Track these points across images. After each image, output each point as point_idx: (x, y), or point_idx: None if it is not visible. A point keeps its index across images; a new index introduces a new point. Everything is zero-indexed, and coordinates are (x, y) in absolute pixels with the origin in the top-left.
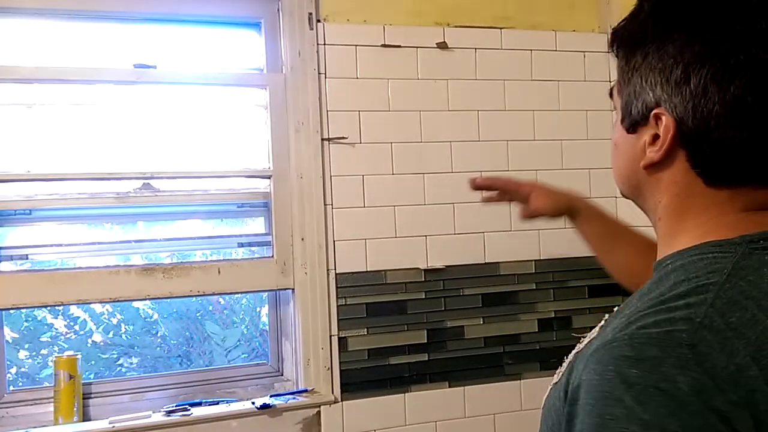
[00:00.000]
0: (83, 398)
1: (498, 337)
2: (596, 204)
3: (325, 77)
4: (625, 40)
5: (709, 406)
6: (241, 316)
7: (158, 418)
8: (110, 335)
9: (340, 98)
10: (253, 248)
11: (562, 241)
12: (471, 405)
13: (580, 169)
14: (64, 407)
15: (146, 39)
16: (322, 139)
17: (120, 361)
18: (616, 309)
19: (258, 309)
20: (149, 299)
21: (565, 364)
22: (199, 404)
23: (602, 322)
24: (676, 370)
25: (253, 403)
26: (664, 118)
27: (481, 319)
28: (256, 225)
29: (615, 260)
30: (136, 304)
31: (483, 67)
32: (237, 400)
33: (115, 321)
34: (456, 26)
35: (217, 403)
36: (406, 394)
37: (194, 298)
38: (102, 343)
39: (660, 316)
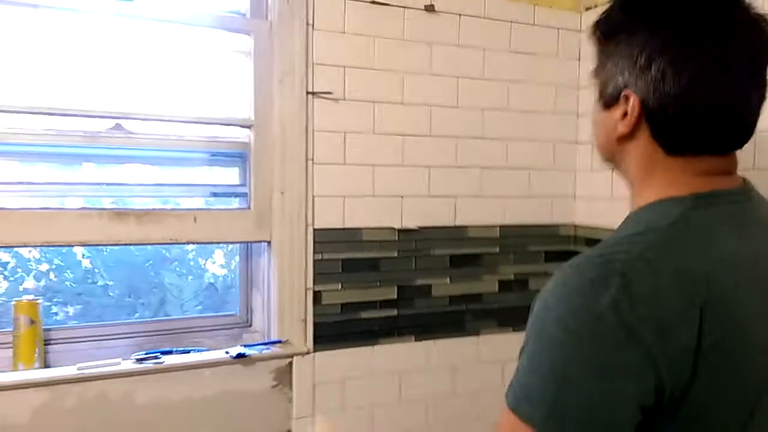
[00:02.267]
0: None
1: (462, 296)
2: None
3: (313, 29)
4: (602, 30)
5: (620, 319)
6: (191, 267)
7: (129, 365)
8: (46, 282)
9: (327, 52)
10: (225, 198)
11: (525, 209)
12: (433, 358)
13: (547, 142)
14: (25, 353)
15: None
16: (307, 93)
17: (54, 310)
18: None
19: (203, 263)
20: (121, 245)
21: None
22: (169, 352)
23: None
24: (603, 290)
25: (227, 352)
26: (631, 98)
27: (448, 279)
28: (228, 175)
29: None
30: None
31: (466, 34)
32: (208, 350)
33: (45, 268)
34: None
35: (188, 352)
36: (375, 346)
37: (134, 248)
38: (37, 290)
39: (607, 249)
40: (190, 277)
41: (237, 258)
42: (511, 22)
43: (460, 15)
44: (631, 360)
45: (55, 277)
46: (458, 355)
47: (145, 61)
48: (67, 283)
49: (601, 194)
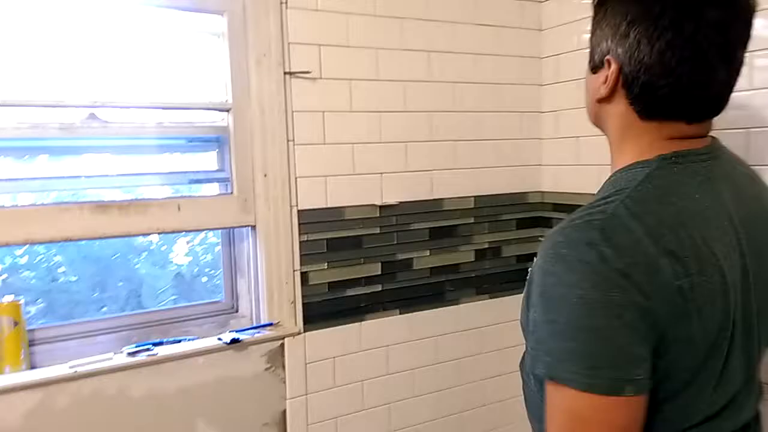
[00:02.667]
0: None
1: (441, 267)
2: None
3: (287, 7)
4: None
5: (612, 268)
6: (160, 257)
7: (122, 359)
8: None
9: (302, 31)
10: (204, 185)
11: (496, 179)
12: (417, 329)
13: (513, 113)
14: (11, 355)
15: None
16: (285, 73)
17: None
18: None
19: (170, 252)
20: (105, 238)
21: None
22: (160, 344)
23: None
24: (589, 247)
25: (220, 338)
26: (612, 63)
27: (428, 251)
28: (205, 160)
29: None
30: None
31: (434, 7)
32: (198, 338)
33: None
34: None
35: (179, 342)
36: (362, 323)
37: (98, 242)
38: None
39: (586, 212)
40: (160, 268)
41: (199, 247)
42: None
43: None
44: (633, 298)
45: (20, 274)
46: (440, 325)
47: (117, 48)
48: (33, 280)
49: (566, 160)
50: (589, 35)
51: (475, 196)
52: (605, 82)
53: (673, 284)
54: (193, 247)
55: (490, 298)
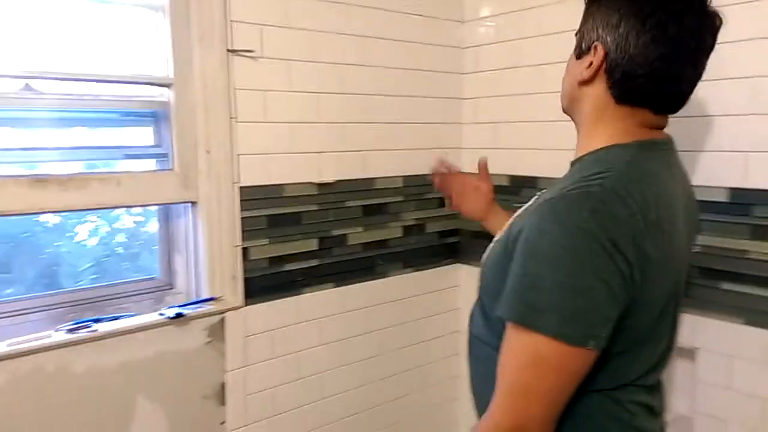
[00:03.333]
0: None
1: (372, 243)
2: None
3: None
4: None
5: (607, 236)
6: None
7: (61, 336)
8: None
9: (244, 9)
10: (140, 160)
11: (422, 159)
12: (349, 302)
13: (436, 98)
14: None
15: None
16: (228, 51)
17: None
18: (544, 190)
19: (75, 230)
20: (45, 212)
21: (504, 229)
22: (100, 320)
23: (535, 198)
24: (589, 213)
25: (162, 314)
26: (599, 49)
27: (361, 228)
28: (141, 135)
29: None
30: None
31: None
32: (137, 314)
33: None
34: None
35: (119, 318)
36: (299, 296)
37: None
38: None
39: (582, 184)
40: (78, 244)
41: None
42: None
43: None
44: (619, 266)
45: None
46: (370, 297)
47: (55, 18)
48: None
49: (484, 144)
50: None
51: (403, 176)
52: (589, 66)
53: (651, 256)
54: (116, 227)
55: (415, 270)
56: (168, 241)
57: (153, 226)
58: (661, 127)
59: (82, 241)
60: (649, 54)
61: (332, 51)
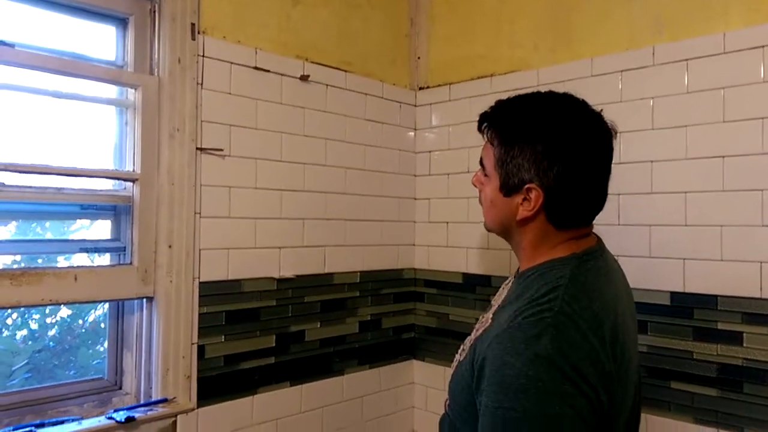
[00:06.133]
0: None
1: (329, 339)
2: None
3: (202, 87)
4: (502, 136)
5: (567, 362)
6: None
7: None
8: None
9: (214, 111)
10: (96, 255)
11: (378, 255)
12: (305, 401)
13: (393, 198)
14: None
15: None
16: (197, 148)
17: None
18: (492, 301)
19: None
20: None
21: (466, 347)
22: (42, 425)
23: (488, 314)
24: (548, 341)
25: (111, 417)
26: (534, 190)
27: (319, 323)
28: (98, 229)
29: None
30: None
31: (332, 101)
32: (82, 419)
33: None
34: (313, 62)
35: (63, 422)
36: (254, 396)
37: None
38: None
39: (534, 308)
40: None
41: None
42: (366, 94)
43: (327, 85)
44: (583, 390)
45: None
46: (326, 396)
47: (22, 112)
48: None
49: (437, 242)
50: (496, 162)
51: (360, 272)
52: (524, 203)
53: (611, 372)
54: (48, 321)
55: (370, 368)
56: (118, 338)
57: (90, 318)
58: (590, 233)
59: (12, 335)
60: (584, 184)
61: (295, 151)
